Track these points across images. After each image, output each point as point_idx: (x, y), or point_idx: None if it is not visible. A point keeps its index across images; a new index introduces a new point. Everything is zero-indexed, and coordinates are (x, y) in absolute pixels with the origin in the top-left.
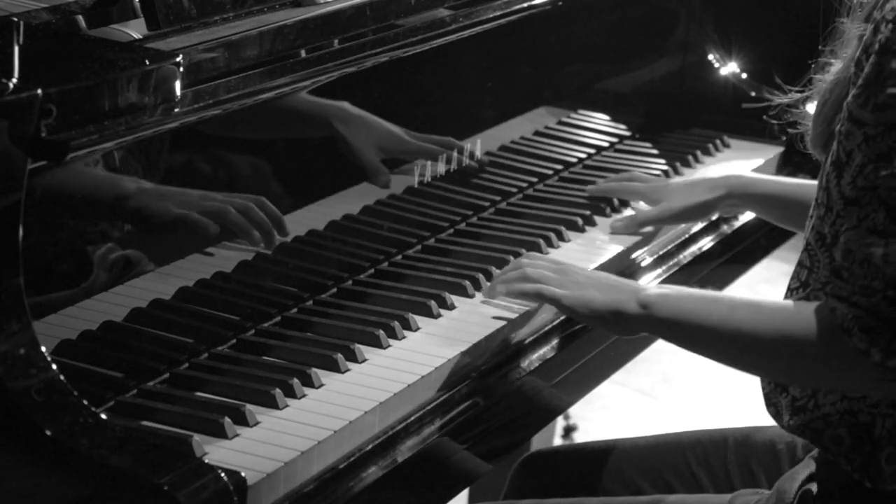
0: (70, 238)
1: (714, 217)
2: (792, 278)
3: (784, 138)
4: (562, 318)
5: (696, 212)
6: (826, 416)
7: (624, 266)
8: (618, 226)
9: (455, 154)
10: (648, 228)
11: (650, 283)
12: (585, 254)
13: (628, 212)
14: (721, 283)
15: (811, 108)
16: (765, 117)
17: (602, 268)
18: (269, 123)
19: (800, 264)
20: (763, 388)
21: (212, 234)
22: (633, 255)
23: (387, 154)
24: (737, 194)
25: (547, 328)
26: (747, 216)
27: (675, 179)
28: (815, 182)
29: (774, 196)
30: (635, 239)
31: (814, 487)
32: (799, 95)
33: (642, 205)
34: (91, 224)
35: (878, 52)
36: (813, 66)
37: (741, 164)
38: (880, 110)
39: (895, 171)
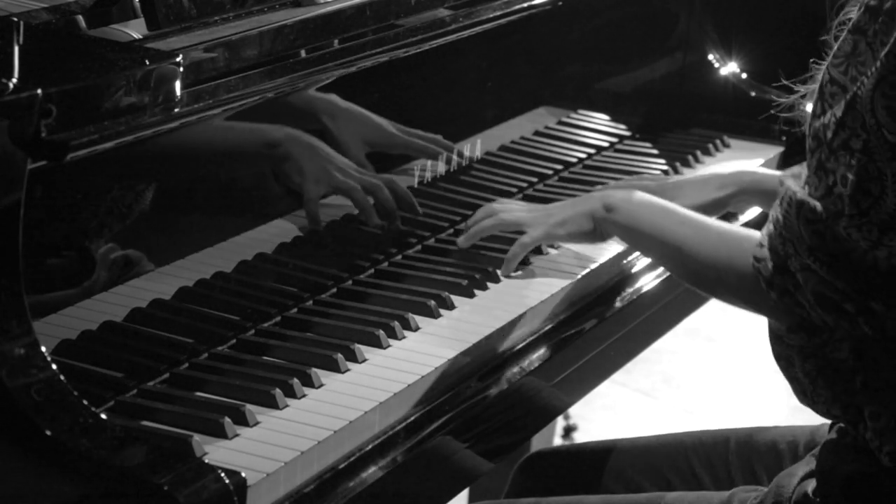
0: (70, 238)
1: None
2: None
3: (784, 138)
4: (562, 318)
5: (707, 210)
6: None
7: (623, 266)
8: None
9: (447, 153)
10: None
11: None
12: (585, 253)
13: None
14: None
15: (810, 106)
16: (763, 116)
17: (601, 268)
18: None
19: None
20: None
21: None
22: (633, 255)
23: (374, 148)
24: (748, 191)
25: (547, 328)
26: (747, 216)
27: (685, 175)
28: None
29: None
30: None
31: (811, 484)
32: (797, 95)
33: None
34: (91, 224)
35: (850, 29)
36: (813, 64)
37: (742, 164)
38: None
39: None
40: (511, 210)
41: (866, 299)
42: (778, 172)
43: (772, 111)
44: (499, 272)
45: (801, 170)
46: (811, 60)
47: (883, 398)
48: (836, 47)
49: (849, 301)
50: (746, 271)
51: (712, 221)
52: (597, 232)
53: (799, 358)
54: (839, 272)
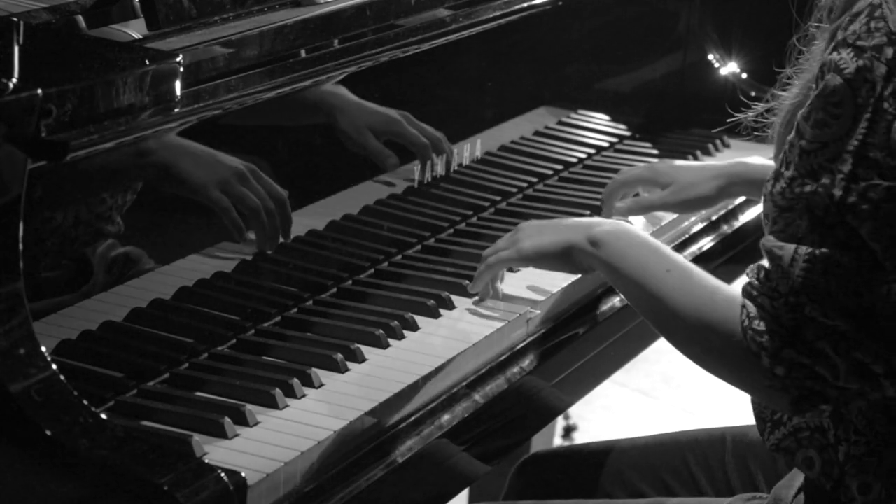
0: (70, 238)
1: (719, 204)
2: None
3: None
4: (562, 318)
5: (701, 203)
6: (797, 432)
7: None
8: (621, 208)
9: (447, 154)
10: (656, 213)
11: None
12: None
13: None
14: None
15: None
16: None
17: None
18: (267, 113)
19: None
20: (753, 408)
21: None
22: None
23: (380, 136)
24: (736, 182)
25: (547, 328)
26: (748, 216)
27: (680, 162)
28: None
29: None
30: None
31: None
32: (767, 104)
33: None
34: (91, 223)
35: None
36: (779, 77)
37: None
38: (818, 127)
39: (819, 189)
40: (496, 249)
41: (891, 356)
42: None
43: (749, 119)
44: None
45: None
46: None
47: (868, 466)
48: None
49: (878, 362)
50: (732, 337)
51: (701, 274)
52: (574, 263)
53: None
54: (871, 330)
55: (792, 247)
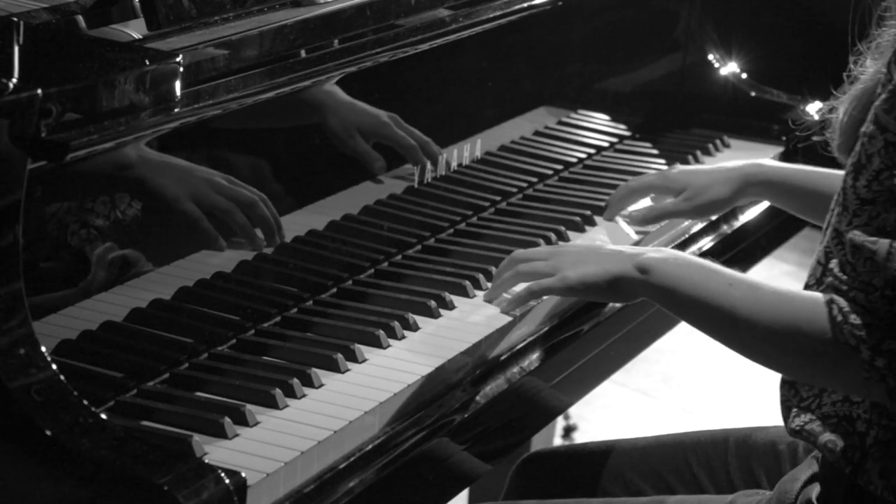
0: (70, 238)
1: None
2: (809, 275)
3: (784, 138)
4: (562, 318)
5: (716, 207)
6: (825, 419)
7: None
8: (636, 217)
9: (438, 157)
10: (666, 222)
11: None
12: None
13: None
14: None
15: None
16: (805, 128)
17: None
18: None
19: (817, 262)
20: (782, 394)
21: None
22: None
23: (368, 138)
24: (754, 182)
25: (547, 329)
26: (747, 216)
27: (692, 167)
28: (830, 171)
29: (790, 185)
30: (635, 238)
31: (815, 489)
32: (826, 104)
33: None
34: (91, 223)
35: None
36: (846, 76)
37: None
38: None
39: None
40: (529, 259)
41: None
42: (785, 165)
43: (797, 122)
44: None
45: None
46: (844, 73)
47: (894, 451)
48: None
49: None
50: (823, 336)
51: (765, 283)
52: (622, 293)
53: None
54: None
55: (886, 241)
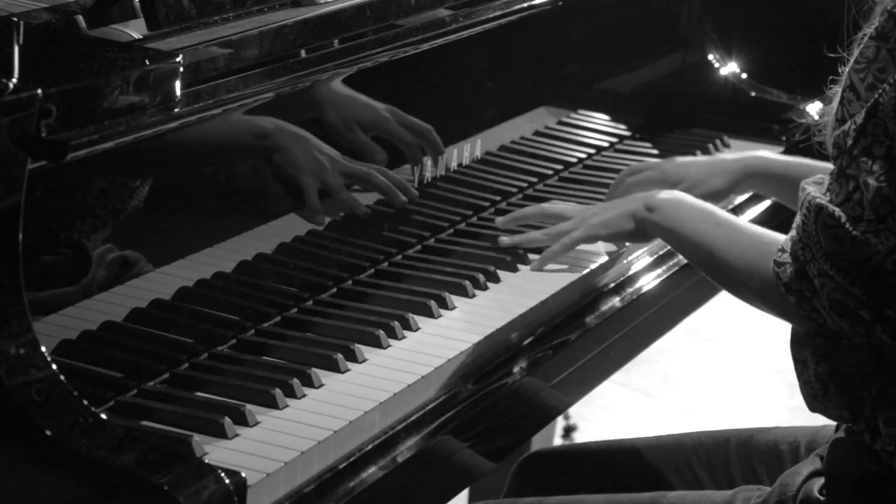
0: (70, 238)
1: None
2: None
3: (784, 138)
4: (561, 319)
5: (712, 199)
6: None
7: (623, 265)
8: None
9: (439, 152)
10: None
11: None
12: (585, 252)
13: None
14: None
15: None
16: (795, 127)
17: (601, 267)
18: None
19: None
20: (804, 385)
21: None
22: (633, 255)
23: (367, 132)
24: (755, 175)
25: (546, 329)
26: (749, 215)
27: (689, 158)
28: (832, 165)
29: (792, 177)
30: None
31: (818, 483)
32: (820, 105)
33: None
34: (91, 223)
35: (873, 35)
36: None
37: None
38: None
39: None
40: (561, 231)
41: (883, 307)
42: (784, 157)
43: (792, 125)
44: (522, 266)
45: (824, 177)
46: (830, 78)
47: None
48: (857, 52)
49: (865, 308)
50: (768, 275)
51: (747, 225)
52: (639, 232)
53: (813, 361)
54: (855, 278)
55: (811, 192)
